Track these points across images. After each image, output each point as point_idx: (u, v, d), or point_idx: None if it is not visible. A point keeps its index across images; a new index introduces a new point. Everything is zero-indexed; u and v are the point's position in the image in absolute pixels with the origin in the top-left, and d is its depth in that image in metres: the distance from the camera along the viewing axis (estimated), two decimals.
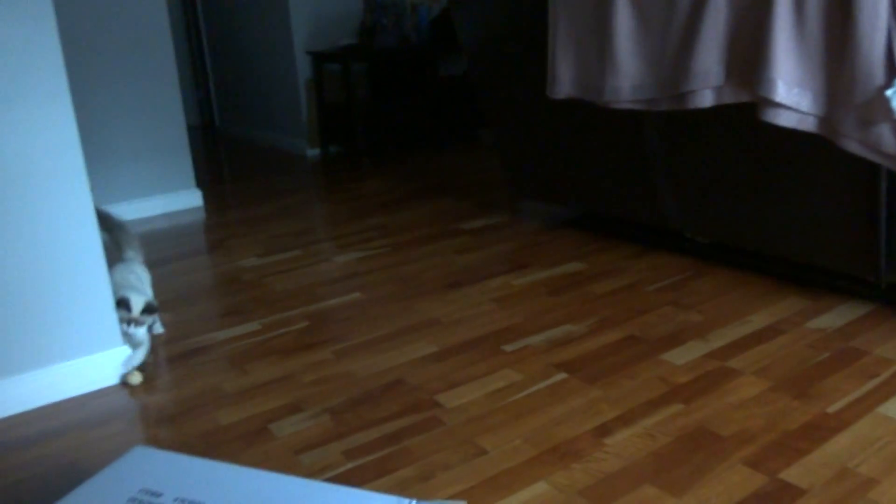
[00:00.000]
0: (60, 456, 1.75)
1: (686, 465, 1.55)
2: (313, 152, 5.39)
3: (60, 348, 2.01)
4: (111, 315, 2.07)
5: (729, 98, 2.11)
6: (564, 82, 2.58)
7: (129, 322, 2.07)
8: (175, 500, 1.13)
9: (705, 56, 2.11)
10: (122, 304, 2.08)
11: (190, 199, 4.05)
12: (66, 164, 1.92)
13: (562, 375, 1.96)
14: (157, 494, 1.14)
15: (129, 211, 3.85)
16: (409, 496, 1.10)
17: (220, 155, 5.71)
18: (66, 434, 1.84)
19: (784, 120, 1.97)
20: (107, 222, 2.37)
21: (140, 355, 2.11)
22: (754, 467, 1.53)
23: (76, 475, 1.66)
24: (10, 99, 1.82)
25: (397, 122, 5.15)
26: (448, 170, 4.56)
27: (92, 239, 1.99)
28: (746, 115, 2.19)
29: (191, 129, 6.86)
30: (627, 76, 2.34)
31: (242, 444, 1.74)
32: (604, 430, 1.69)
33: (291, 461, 1.66)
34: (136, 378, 2.07)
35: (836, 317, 2.18)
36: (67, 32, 3.51)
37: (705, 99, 2.15)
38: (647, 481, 1.50)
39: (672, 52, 2.21)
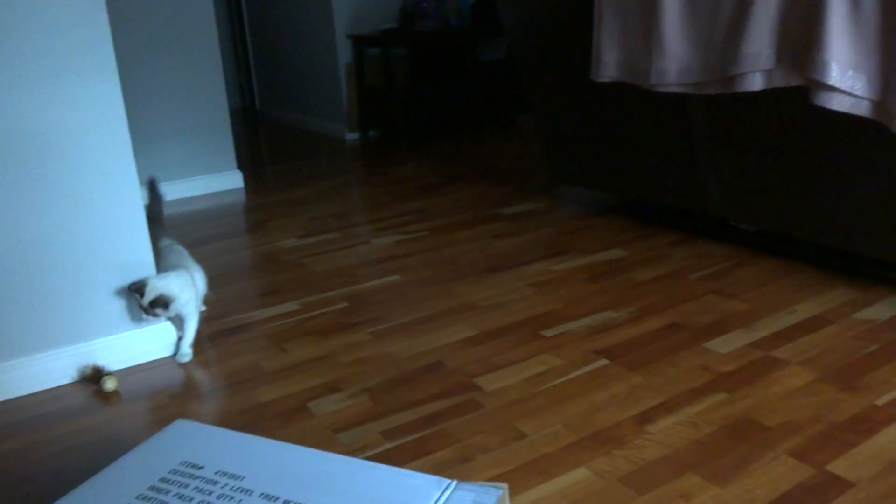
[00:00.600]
0: (102, 427, 1.77)
1: (730, 455, 1.52)
2: (352, 136, 5.39)
3: (104, 322, 2.03)
4: None
5: (780, 81, 2.05)
6: (609, 65, 2.54)
7: (141, 309, 1.97)
8: (216, 472, 1.13)
9: (756, 38, 2.06)
10: (136, 288, 1.96)
11: (231, 180, 4.08)
12: (113, 138, 1.93)
13: (602, 362, 1.93)
14: (199, 467, 1.15)
15: (171, 191, 3.88)
16: (449, 478, 1.09)
17: (261, 137, 5.74)
18: (108, 406, 1.86)
19: (837, 104, 1.92)
20: (155, 204, 2.37)
21: (182, 345, 2.10)
22: (800, 458, 1.49)
23: (118, 447, 1.68)
24: (60, 73, 1.84)
25: (437, 106, 5.13)
26: (487, 155, 4.53)
27: (137, 213, 2.01)
28: (797, 99, 2.14)
29: (232, 112, 6.91)
30: (674, 59, 2.29)
31: (281, 422, 1.74)
32: (645, 418, 1.67)
33: (330, 440, 1.66)
34: (111, 384, 1.93)
35: (884, 308, 2.13)
36: (114, 14, 3.54)
37: (755, 82, 2.10)
38: (689, 470, 1.48)
39: (721, 34, 2.16)
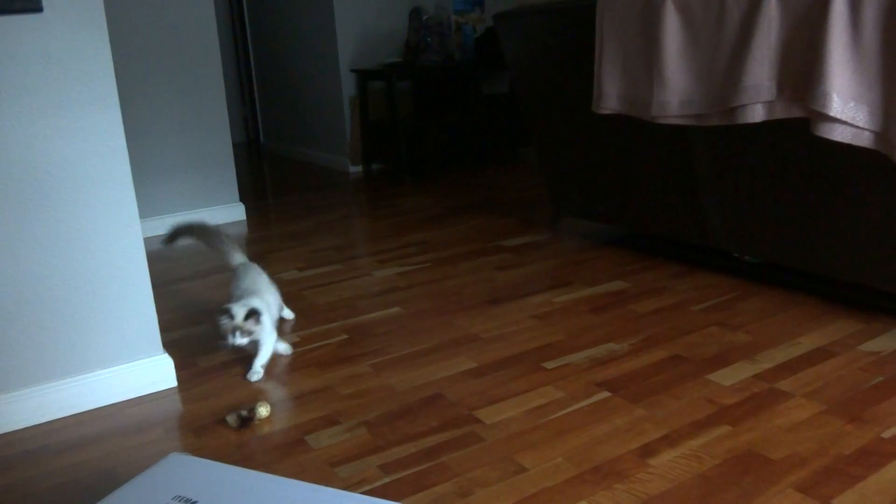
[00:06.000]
0: (98, 462, 1.75)
1: (734, 489, 1.49)
2: (356, 169, 5.41)
3: (101, 355, 2.01)
4: (153, 323, 2.07)
5: (781, 113, 2.05)
6: (611, 97, 2.54)
7: (233, 330, 2.03)
8: None
9: (756, 70, 2.06)
10: (225, 310, 2.05)
11: (233, 212, 4.08)
12: (113, 169, 1.93)
13: (604, 394, 1.91)
14: (192, 502, 1.13)
15: (172, 223, 3.88)
16: None
17: (264, 171, 5.76)
18: (103, 440, 1.84)
19: (839, 135, 1.91)
20: (207, 236, 2.48)
21: (255, 364, 2.14)
22: (806, 492, 1.46)
23: (113, 481, 1.65)
24: (62, 105, 1.84)
25: (440, 139, 5.14)
26: (489, 187, 4.53)
27: (136, 246, 2.00)
28: (798, 130, 2.13)
29: (235, 146, 6.94)
30: (676, 91, 2.30)
31: (278, 455, 1.72)
32: (648, 451, 1.64)
33: (327, 473, 1.63)
34: (264, 410, 1.89)
35: (889, 340, 2.10)
36: (118, 46, 3.57)
37: (756, 114, 2.10)
38: None
39: (722, 66, 2.17)
